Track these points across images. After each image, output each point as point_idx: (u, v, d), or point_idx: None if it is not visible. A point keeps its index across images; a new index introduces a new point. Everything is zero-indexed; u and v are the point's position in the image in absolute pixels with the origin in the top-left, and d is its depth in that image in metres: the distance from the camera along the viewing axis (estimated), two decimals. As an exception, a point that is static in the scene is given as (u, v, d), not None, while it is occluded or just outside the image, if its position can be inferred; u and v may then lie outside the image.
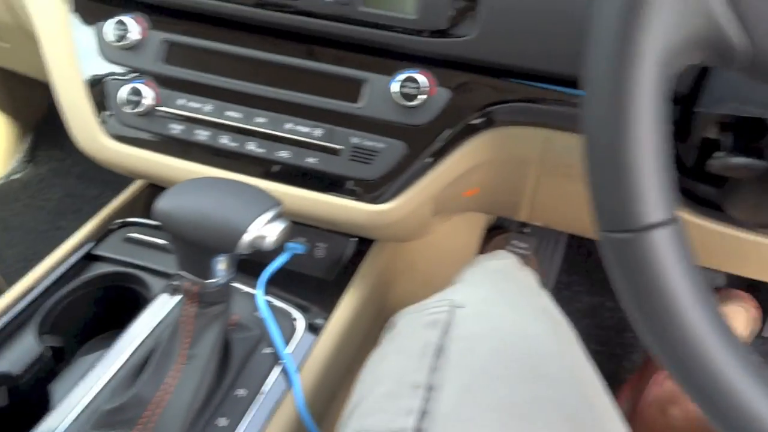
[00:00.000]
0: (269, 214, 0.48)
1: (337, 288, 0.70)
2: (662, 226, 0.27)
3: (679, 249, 0.27)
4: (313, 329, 0.65)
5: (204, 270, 0.51)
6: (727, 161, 0.45)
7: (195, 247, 0.49)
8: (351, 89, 0.57)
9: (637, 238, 0.27)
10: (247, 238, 0.47)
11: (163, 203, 0.47)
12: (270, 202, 0.49)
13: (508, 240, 1.18)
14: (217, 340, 0.54)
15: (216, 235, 0.47)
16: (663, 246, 0.27)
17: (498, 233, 1.20)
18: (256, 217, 0.48)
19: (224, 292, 0.53)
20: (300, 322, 0.64)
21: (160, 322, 0.61)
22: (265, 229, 0.48)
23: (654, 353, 0.29)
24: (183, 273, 0.51)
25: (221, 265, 0.51)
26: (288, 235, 0.49)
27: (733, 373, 0.28)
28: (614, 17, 0.25)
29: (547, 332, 0.52)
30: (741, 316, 1.05)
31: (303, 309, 0.66)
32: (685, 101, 0.52)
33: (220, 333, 0.54)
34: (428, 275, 0.81)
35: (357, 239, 0.73)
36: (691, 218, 0.57)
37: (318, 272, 0.72)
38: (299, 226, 0.72)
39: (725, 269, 0.94)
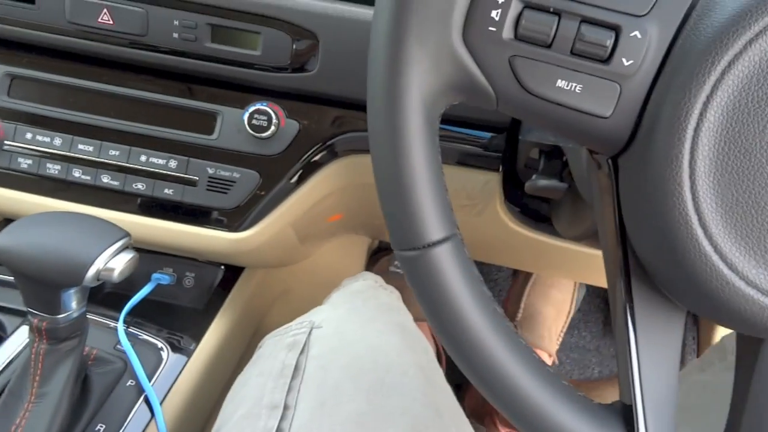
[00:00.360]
0: (116, 246, 0.49)
1: (207, 316, 0.70)
2: (441, 243, 0.31)
3: (457, 261, 0.31)
4: (181, 359, 0.65)
5: (51, 306, 0.50)
6: (535, 183, 0.50)
7: (39, 283, 0.49)
8: (205, 122, 0.59)
9: (422, 255, 0.31)
10: (93, 270, 0.48)
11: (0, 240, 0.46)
12: (117, 233, 0.49)
13: (391, 261, 1.22)
14: (71, 377, 0.53)
15: (60, 270, 0.47)
16: (443, 260, 0.31)
17: (383, 255, 1.24)
18: (103, 250, 0.48)
19: (76, 327, 0.53)
20: (166, 352, 0.64)
21: (10, 362, 0.59)
22: (113, 261, 0.49)
23: (450, 354, 0.33)
24: (30, 310, 0.51)
25: (70, 300, 0.50)
26: (136, 266, 0.50)
27: (510, 366, 0.32)
28: (381, 66, 0.29)
29: (400, 346, 0.56)
30: (570, 283, 1.13)
31: (170, 339, 0.66)
32: (511, 130, 0.58)
33: (74, 369, 0.53)
34: (310, 298, 0.83)
35: (224, 267, 0.74)
36: (525, 232, 0.63)
37: (187, 302, 0.72)
38: (168, 256, 0.72)
39: (560, 276, 1.03)
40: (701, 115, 0.26)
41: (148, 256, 0.72)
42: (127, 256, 0.49)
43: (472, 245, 0.76)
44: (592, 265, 0.65)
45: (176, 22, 0.55)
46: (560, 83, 0.28)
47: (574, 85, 0.28)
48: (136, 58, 0.57)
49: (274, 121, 0.57)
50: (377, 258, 1.23)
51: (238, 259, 0.72)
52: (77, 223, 0.49)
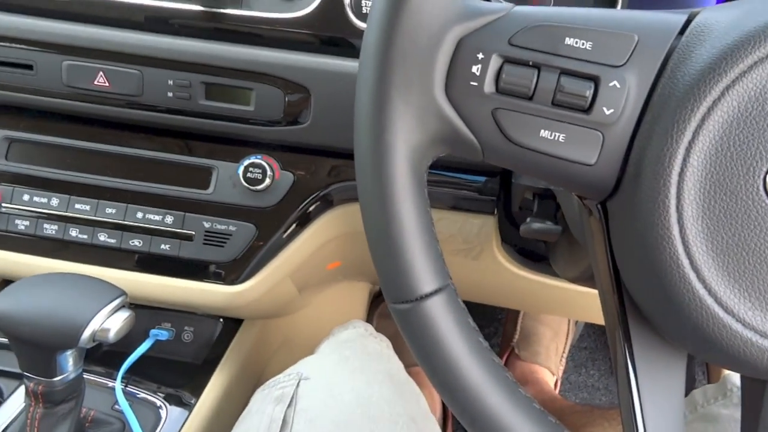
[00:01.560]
0: (111, 306, 0.48)
1: (206, 371, 0.69)
2: (433, 295, 0.31)
3: (451, 312, 0.31)
4: (180, 417, 0.64)
5: (47, 369, 0.50)
6: (529, 227, 0.51)
7: (34, 346, 0.48)
8: (201, 177, 0.59)
9: (415, 308, 0.31)
10: (88, 332, 0.47)
11: (-6, 305, 0.46)
12: (112, 293, 0.49)
13: (394, 304, 1.21)
14: (68, 440, 0.52)
15: (55, 332, 0.47)
16: (436, 312, 0.31)
17: (383, 299, 1.23)
18: (98, 310, 0.48)
19: (73, 389, 0.52)
20: (165, 410, 0.63)
21: (7, 427, 0.58)
22: (108, 322, 0.48)
23: (449, 407, 0.33)
24: (25, 373, 0.50)
25: (65, 362, 0.50)
26: (132, 325, 0.49)
27: (511, 418, 0.31)
28: (366, 123, 0.30)
29: (390, 395, 0.55)
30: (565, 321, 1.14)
31: (169, 396, 0.65)
32: (504, 173, 0.58)
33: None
34: (311, 347, 0.82)
35: (223, 320, 0.73)
36: (524, 274, 0.63)
37: (186, 356, 0.71)
38: (166, 311, 0.72)
39: (563, 316, 1.03)
40: (684, 160, 0.26)
41: (146, 311, 0.71)
42: (122, 316, 0.48)
43: (472, 288, 0.75)
44: (593, 305, 0.64)
45: (171, 82, 0.56)
46: (544, 133, 0.29)
47: (558, 134, 0.28)
48: (131, 117, 0.57)
49: (269, 173, 0.57)
50: (378, 302, 1.22)
51: (237, 312, 0.71)
52: (71, 284, 0.49)
